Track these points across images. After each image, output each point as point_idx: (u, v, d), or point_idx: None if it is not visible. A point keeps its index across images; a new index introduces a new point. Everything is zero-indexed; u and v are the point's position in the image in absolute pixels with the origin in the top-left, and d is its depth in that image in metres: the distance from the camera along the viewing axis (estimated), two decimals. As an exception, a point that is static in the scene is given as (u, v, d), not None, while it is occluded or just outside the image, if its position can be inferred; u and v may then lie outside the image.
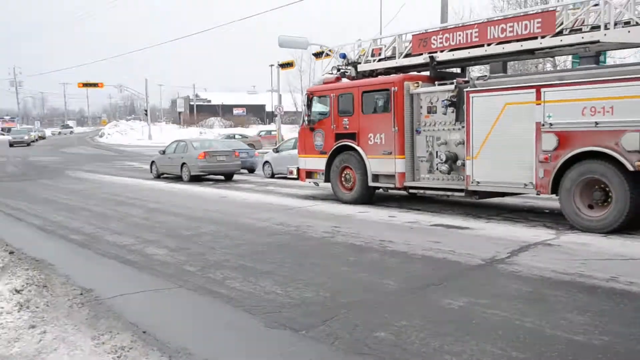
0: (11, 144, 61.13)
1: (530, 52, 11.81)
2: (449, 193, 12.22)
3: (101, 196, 17.38)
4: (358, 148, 13.70)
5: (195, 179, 21.71)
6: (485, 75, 11.56)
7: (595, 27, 10.60)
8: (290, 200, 15.07)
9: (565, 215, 10.11)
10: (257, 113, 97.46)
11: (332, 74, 15.69)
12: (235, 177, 22.93)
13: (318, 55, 34.35)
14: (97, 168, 31.53)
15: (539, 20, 11.22)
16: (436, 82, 12.83)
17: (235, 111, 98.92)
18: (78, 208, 14.77)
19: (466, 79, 12.16)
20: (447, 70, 13.64)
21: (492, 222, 10.95)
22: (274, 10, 40.82)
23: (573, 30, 10.91)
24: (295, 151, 21.27)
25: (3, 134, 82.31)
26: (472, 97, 11.35)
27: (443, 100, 12.02)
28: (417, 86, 12.77)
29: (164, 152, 23.59)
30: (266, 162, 23.39)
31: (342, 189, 14.27)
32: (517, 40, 11.55)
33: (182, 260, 8.42)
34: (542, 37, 11.15)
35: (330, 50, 34.42)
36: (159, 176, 23.78)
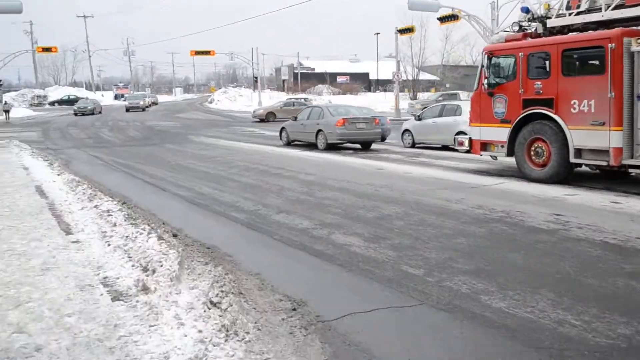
0: (127, 109, 62.25)
1: None
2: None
3: (239, 164, 15.93)
4: (556, 117, 11.25)
5: (332, 147, 19.94)
6: None
7: None
8: (464, 176, 12.87)
9: None
10: (361, 81, 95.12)
11: (507, 31, 13.25)
12: (373, 146, 20.95)
13: (444, 19, 31.73)
14: (218, 134, 30.58)
15: None
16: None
17: (339, 79, 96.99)
18: (221, 177, 13.32)
19: None
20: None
21: None
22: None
23: None
24: (442, 119, 19.25)
25: (117, 100, 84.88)
26: None
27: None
28: (642, 42, 10.11)
29: (295, 119, 21.95)
30: (406, 130, 21.24)
31: (531, 164, 11.90)
32: None
33: (392, 256, 6.53)
34: None
35: (458, 12, 31.72)
36: (289, 143, 22.26)
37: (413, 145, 20.75)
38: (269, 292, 5.40)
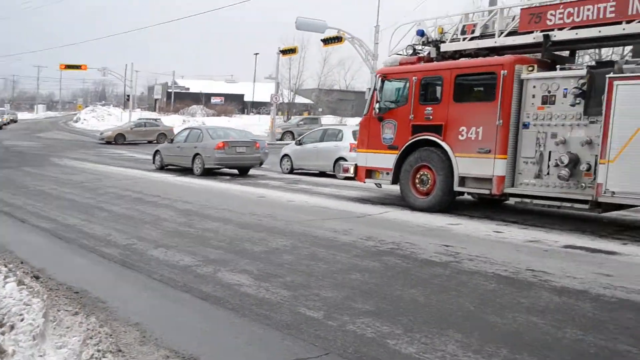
0: (-19, 127, 57.10)
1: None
2: (568, 204, 9.92)
3: (110, 191, 14.70)
4: (443, 144, 11.31)
5: (208, 173, 19.08)
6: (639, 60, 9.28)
7: None
8: (347, 204, 12.63)
9: None
10: (236, 102, 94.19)
11: (400, 54, 13.29)
12: (251, 171, 20.34)
13: (328, 41, 32.06)
14: (84, 156, 28.56)
15: None
16: (558, 66, 10.52)
17: (214, 100, 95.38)
18: (90, 207, 12.10)
19: (595, 62, 9.93)
20: (556, 53, 11.29)
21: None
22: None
23: None
24: (323, 144, 19.11)
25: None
26: (617, 85, 9.08)
27: (574, 88, 9.68)
28: (532, 70, 10.42)
29: (172, 141, 20.86)
30: (285, 155, 20.90)
31: (415, 192, 11.87)
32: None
33: (287, 297, 5.98)
34: None
35: (343, 34, 32.12)
36: (162, 167, 21.10)
37: (291, 171, 20.46)
38: (153, 347, 4.64)
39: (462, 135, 11.03)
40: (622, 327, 5.13)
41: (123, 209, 11.71)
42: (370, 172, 12.79)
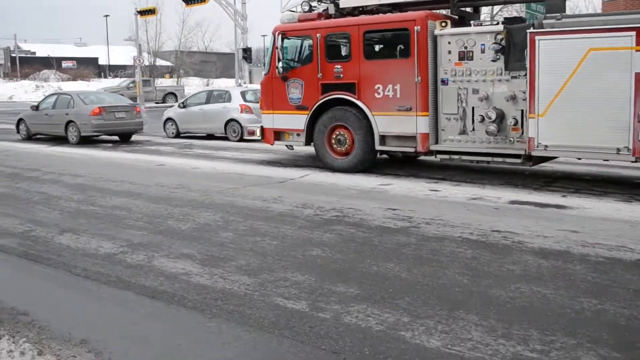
0: None
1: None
2: (499, 159, 9.72)
3: (-29, 167, 12.57)
4: (359, 102, 10.67)
5: (86, 141, 17.11)
6: (559, 15, 9.09)
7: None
8: (259, 169, 11.70)
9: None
10: (92, 66, 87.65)
11: (294, 11, 12.38)
12: (134, 137, 18.57)
13: (189, 1, 30.19)
14: None
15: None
16: (471, 22, 10.18)
17: (65, 64, 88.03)
18: (-46, 187, 10.17)
19: (504, 19, 9.76)
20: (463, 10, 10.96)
21: (581, 197, 8.65)
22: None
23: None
24: (210, 107, 17.92)
25: None
26: (539, 40, 8.86)
27: (494, 44, 9.38)
28: (445, 26, 9.98)
29: (37, 108, 18.36)
30: (169, 119, 19.29)
31: (332, 153, 11.17)
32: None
33: (253, 285, 5.07)
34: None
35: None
36: (29, 137, 18.69)
37: (177, 135, 19.00)
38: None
39: (379, 94, 10.45)
40: (631, 290, 4.81)
41: (1, 188, 9.91)
42: (278, 134, 11.89)
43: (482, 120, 9.68)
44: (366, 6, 11.41)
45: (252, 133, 12.22)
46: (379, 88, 10.44)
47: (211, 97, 18.57)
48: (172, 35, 79.59)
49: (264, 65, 12.14)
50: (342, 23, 11.05)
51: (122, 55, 76.55)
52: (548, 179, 10.11)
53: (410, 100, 10.12)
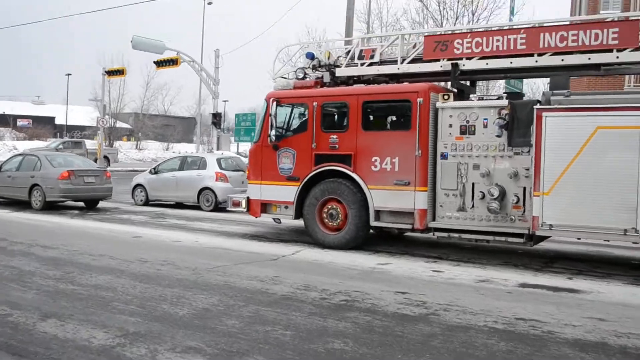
0: None
1: (596, 68, 9.63)
2: (502, 238, 9.41)
3: None
4: (354, 175, 10.32)
5: (50, 207, 16.17)
6: (567, 91, 9.05)
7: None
8: (246, 244, 11.09)
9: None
10: (50, 126, 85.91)
11: (285, 77, 12.21)
12: (100, 204, 17.69)
13: (162, 63, 29.96)
14: None
15: (616, 29, 9.08)
16: (472, 96, 10.10)
17: (20, 122, 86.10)
18: None
19: (505, 93, 9.72)
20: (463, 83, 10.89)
21: (587, 279, 8.38)
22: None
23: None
24: (183, 174, 17.37)
25: None
26: (546, 116, 8.79)
27: (498, 119, 9.25)
28: (447, 99, 9.85)
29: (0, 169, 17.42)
30: (138, 185, 18.56)
31: (323, 228, 10.69)
32: (583, 52, 9.31)
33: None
34: (619, 50, 9.02)
35: (178, 57, 30.06)
36: (-14, 201, 17.61)
37: (146, 203, 18.25)
38: None
39: (376, 166, 10.14)
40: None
41: (-38, 261, 9.03)
42: (265, 206, 11.37)
43: (483, 197, 9.42)
44: (362, 76, 11.27)
45: (238, 204, 11.66)
46: (376, 160, 10.13)
47: (185, 163, 18.02)
48: (135, 97, 79.03)
49: (257, 131, 11.72)
50: (341, 92, 10.84)
51: (82, 115, 75.40)
52: (545, 259, 9.92)
53: (409, 174, 9.83)
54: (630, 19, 9.78)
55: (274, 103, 10.92)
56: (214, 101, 28.82)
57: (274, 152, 11.08)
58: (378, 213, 10.19)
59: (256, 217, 11.66)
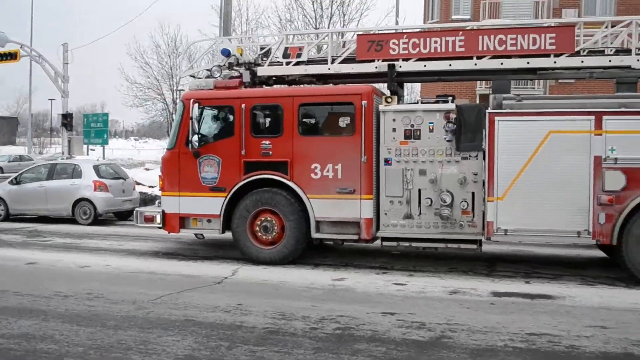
0: None
1: (533, 72, 9.75)
2: (454, 245, 9.14)
3: None
4: (291, 184, 9.50)
5: None
6: (518, 96, 8.97)
7: (624, 51, 9.18)
8: (171, 265, 9.72)
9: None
10: None
11: (193, 76, 11.08)
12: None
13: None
14: None
15: (553, 35, 9.23)
16: (419, 100, 9.74)
17: None
18: None
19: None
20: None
21: (544, 283, 8.39)
22: None
23: (592, 52, 9.30)
24: (53, 183, 15.34)
25: None
26: (498, 121, 8.68)
27: (449, 123, 8.96)
28: (390, 102, 9.39)
29: None
30: (-5, 198, 15.97)
31: (256, 242, 9.70)
32: (522, 56, 9.35)
33: None
34: (556, 55, 9.18)
35: (17, 51, 26.59)
36: None
37: (6, 218, 15.75)
38: None
39: (316, 174, 9.42)
40: None
41: None
42: (184, 220, 10.11)
43: (430, 203, 9.10)
44: (287, 76, 10.46)
45: (151, 219, 10.23)
46: (316, 168, 9.40)
47: (54, 171, 15.81)
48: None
49: (171, 136, 10.40)
50: (274, 93, 10.00)
51: None
52: (485, 262, 9.90)
53: (353, 181, 9.23)
54: (567, 24, 10.03)
55: (195, 105, 9.69)
56: (64, 100, 25.81)
57: (194, 159, 9.87)
58: (319, 224, 9.47)
59: (175, 233, 10.31)
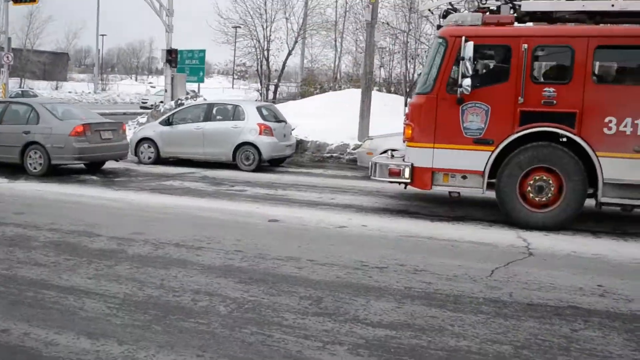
0: None
1: None
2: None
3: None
4: (578, 139, 8.16)
5: (53, 172, 12.37)
6: None
7: None
8: (426, 225, 8.58)
9: None
10: None
11: (431, 10, 9.64)
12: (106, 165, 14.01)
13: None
14: None
15: None
16: None
17: None
18: None
19: None
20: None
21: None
22: None
23: None
24: (213, 125, 14.23)
25: None
26: None
27: None
28: None
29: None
30: (145, 139, 15.00)
31: (525, 204, 8.48)
32: None
33: None
34: None
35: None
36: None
37: (157, 161, 14.81)
38: None
39: (610, 129, 8.05)
40: None
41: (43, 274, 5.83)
42: (435, 175, 8.91)
43: None
44: (554, 12, 8.96)
45: (397, 173, 9.01)
46: (610, 122, 8.02)
47: (212, 112, 14.71)
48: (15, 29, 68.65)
49: (424, 78, 9.06)
50: (565, 32, 8.57)
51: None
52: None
53: (664, 138, 7.85)
54: None
55: (467, 43, 8.30)
56: (168, 35, 24.60)
57: (456, 107, 8.57)
58: (608, 186, 8.17)
59: (428, 190, 9.12)
